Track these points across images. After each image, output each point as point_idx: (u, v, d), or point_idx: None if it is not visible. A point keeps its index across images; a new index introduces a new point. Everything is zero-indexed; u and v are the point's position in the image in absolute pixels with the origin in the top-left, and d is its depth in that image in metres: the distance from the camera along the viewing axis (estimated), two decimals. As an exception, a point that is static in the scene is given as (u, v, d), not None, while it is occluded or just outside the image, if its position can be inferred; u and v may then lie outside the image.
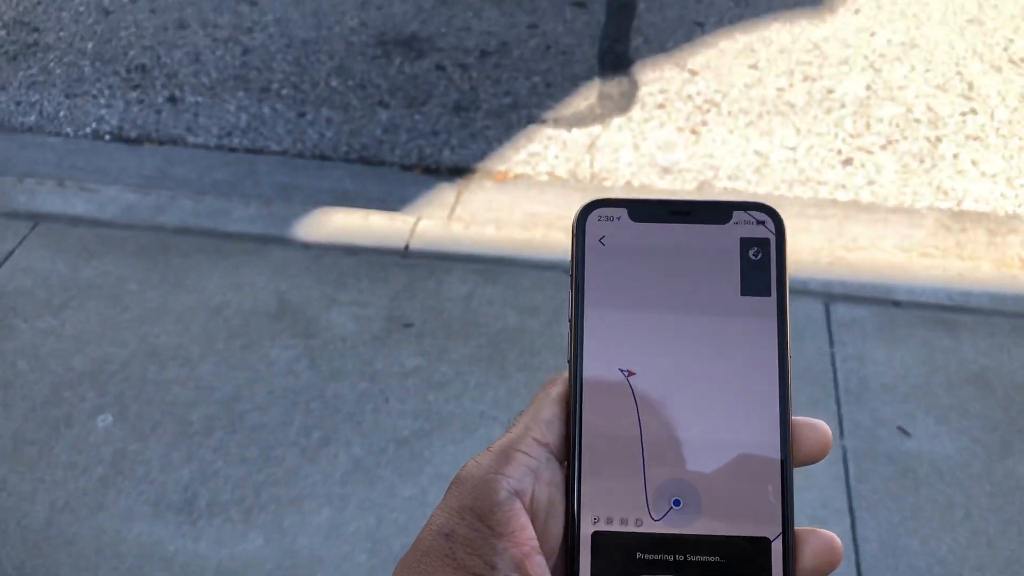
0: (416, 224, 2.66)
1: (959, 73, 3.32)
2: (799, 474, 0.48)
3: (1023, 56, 3.39)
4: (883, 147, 3.04)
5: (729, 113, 3.21)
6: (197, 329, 2.33)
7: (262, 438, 2.09)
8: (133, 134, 3.21)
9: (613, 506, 0.47)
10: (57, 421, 2.12)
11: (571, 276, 0.51)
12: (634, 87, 3.34)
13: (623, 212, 0.50)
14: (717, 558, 0.46)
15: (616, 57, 3.49)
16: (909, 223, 2.76)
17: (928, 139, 3.06)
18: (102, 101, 3.34)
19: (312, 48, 3.56)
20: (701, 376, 0.48)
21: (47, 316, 2.36)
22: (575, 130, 3.19)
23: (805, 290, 2.42)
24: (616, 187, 2.98)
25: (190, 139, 3.18)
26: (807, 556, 0.46)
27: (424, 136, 3.18)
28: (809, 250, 2.63)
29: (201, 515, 1.94)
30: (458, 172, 3.05)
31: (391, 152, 3.12)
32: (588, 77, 3.40)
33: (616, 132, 3.16)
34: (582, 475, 0.47)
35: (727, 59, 3.43)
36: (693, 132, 3.15)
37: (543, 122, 3.22)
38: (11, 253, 2.53)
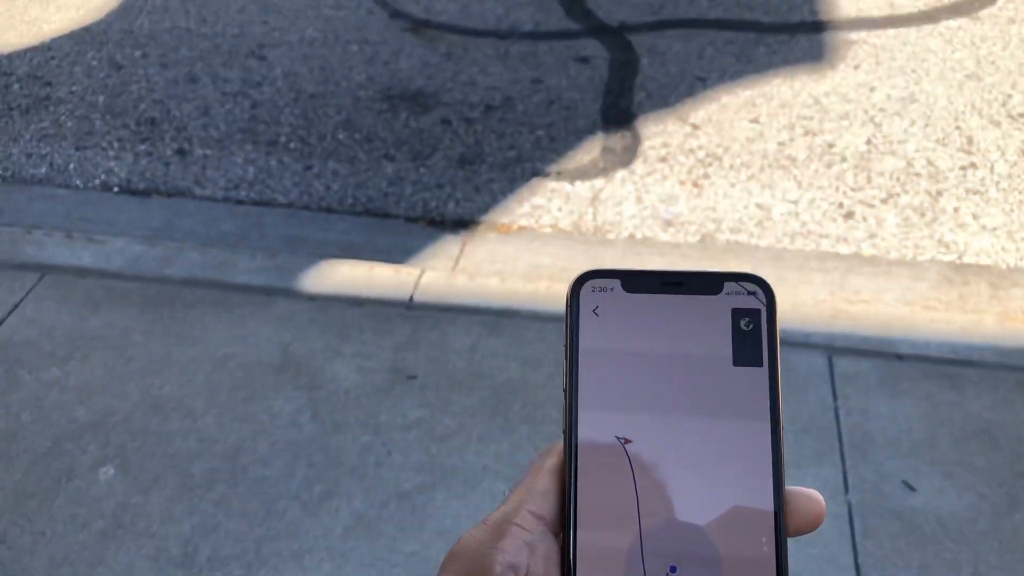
0: (420, 276, 2.68)
1: (958, 128, 3.36)
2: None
3: (1021, 111, 3.43)
4: (884, 200, 3.06)
5: (731, 167, 3.24)
6: (201, 381, 2.33)
7: (264, 491, 2.08)
8: (141, 186, 3.25)
9: None
10: (59, 473, 2.12)
11: (565, 346, 0.51)
12: (637, 141, 3.39)
13: (616, 283, 0.51)
14: None
15: (619, 111, 3.54)
16: (911, 276, 2.77)
17: (929, 193, 3.08)
18: (111, 154, 3.39)
19: (320, 102, 3.62)
20: (695, 447, 0.48)
21: (51, 367, 2.36)
22: (578, 183, 3.22)
23: (808, 343, 2.42)
24: (619, 239, 3.00)
25: (197, 191, 3.22)
26: None
27: (429, 189, 3.21)
28: (812, 302, 2.64)
29: (202, 570, 1.93)
30: (462, 224, 3.07)
31: (396, 204, 3.16)
32: (591, 131, 3.44)
33: (619, 185, 3.19)
34: (577, 549, 0.47)
35: (729, 113, 3.48)
36: (695, 185, 3.18)
37: (547, 175, 3.26)
38: (18, 304, 2.55)
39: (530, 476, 0.49)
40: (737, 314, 0.50)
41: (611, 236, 3.01)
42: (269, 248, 2.88)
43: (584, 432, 0.49)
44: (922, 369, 2.35)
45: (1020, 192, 3.07)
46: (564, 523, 0.48)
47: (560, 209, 3.12)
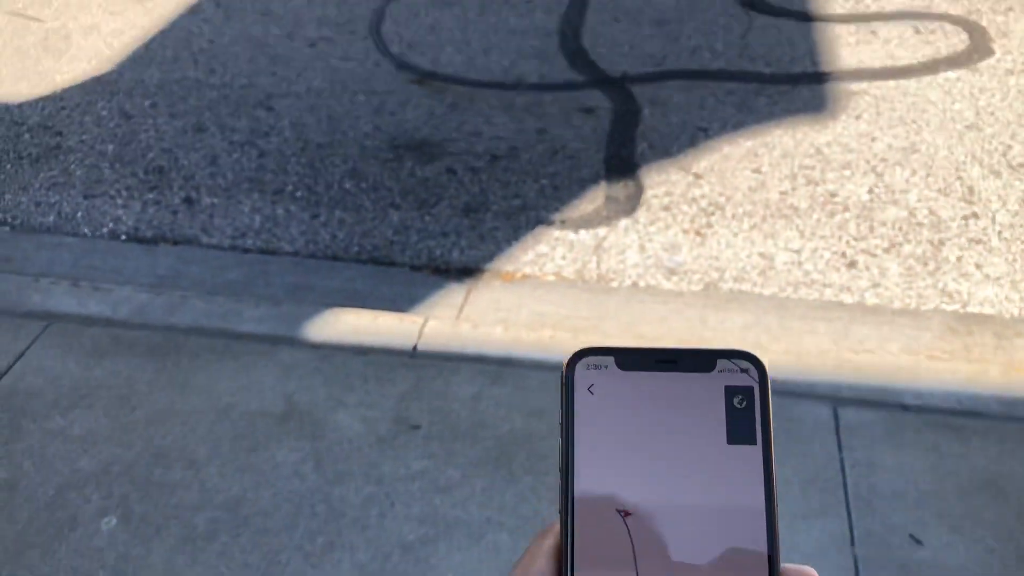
0: (424, 324, 2.68)
1: (959, 178, 3.38)
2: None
3: (1021, 161, 3.46)
4: (887, 250, 3.08)
5: (733, 216, 3.26)
6: (204, 430, 2.33)
7: (266, 543, 2.06)
8: (149, 234, 3.28)
9: None
10: (61, 523, 2.11)
11: (561, 425, 0.52)
12: (640, 190, 3.41)
13: (611, 360, 0.52)
14: None
15: (622, 161, 3.57)
16: (915, 325, 2.77)
17: (931, 242, 3.09)
18: (119, 202, 3.43)
19: (326, 151, 3.66)
20: (692, 527, 0.49)
21: (56, 416, 2.36)
22: (582, 232, 3.24)
23: (813, 393, 2.42)
24: (622, 287, 3.01)
25: (204, 239, 3.24)
26: None
27: (434, 237, 3.23)
28: (816, 352, 2.64)
29: (201, 624, 1.91)
30: (467, 272, 3.09)
31: (402, 253, 3.18)
32: (595, 180, 3.47)
33: (622, 234, 3.21)
34: None
35: (731, 163, 3.51)
36: (698, 234, 3.20)
37: (551, 224, 3.28)
38: (23, 353, 2.56)
39: (527, 558, 0.49)
40: (730, 392, 0.51)
41: (614, 284, 3.03)
42: (274, 296, 2.90)
43: (581, 511, 0.49)
44: (927, 420, 2.34)
45: (1022, 242, 3.08)
46: None
47: (564, 257, 3.14)
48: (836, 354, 2.62)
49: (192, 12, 4.78)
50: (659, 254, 3.13)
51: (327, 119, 3.86)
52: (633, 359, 0.52)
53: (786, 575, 0.48)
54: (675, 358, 0.52)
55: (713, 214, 3.28)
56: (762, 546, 0.48)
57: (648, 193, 3.39)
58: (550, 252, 3.16)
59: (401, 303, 2.92)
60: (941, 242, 3.10)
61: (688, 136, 3.68)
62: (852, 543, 2.04)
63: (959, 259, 3.02)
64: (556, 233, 3.24)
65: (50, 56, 4.40)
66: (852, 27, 4.40)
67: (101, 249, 3.21)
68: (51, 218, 3.37)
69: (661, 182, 3.43)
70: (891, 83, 3.96)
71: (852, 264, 3.03)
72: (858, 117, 3.74)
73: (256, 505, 2.15)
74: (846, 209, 3.26)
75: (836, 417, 2.34)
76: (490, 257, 3.15)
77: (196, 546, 2.06)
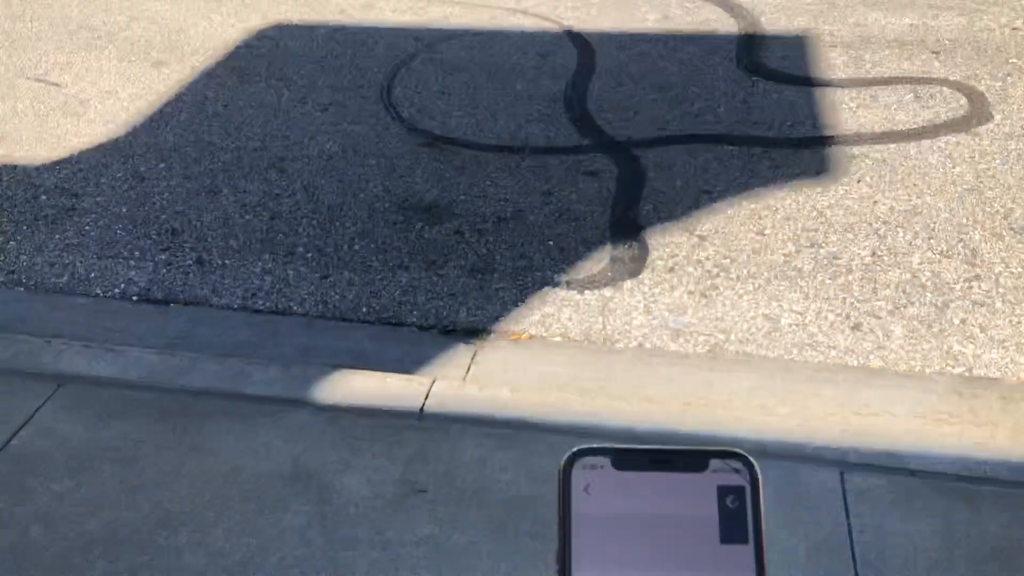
0: (431, 386, 2.70)
1: (961, 240, 3.41)
2: None
3: (1023, 225, 3.49)
4: (891, 312, 3.10)
5: (738, 278, 3.29)
6: (211, 493, 2.34)
7: (271, 608, 2.06)
8: (160, 295, 3.32)
9: None
10: (66, 588, 2.11)
11: (559, 523, 0.54)
12: (645, 251, 3.45)
13: (607, 461, 0.54)
14: None
15: (627, 223, 3.62)
16: (921, 388, 2.78)
17: (935, 304, 3.11)
18: (132, 263, 3.48)
19: (337, 213, 3.72)
20: None
21: (64, 479, 2.38)
22: (588, 293, 3.27)
23: (820, 458, 2.42)
24: (628, 349, 3.03)
25: (215, 300, 3.29)
26: None
27: (442, 298, 3.27)
28: (821, 415, 2.64)
29: None
30: (474, 333, 3.11)
31: (410, 313, 3.21)
32: (600, 242, 3.51)
33: (628, 295, 3.24)
34: None
35: (734, 225, 3.56)
36: (703, 296, 3.23)
37: (557, 285, 3.32)
38: (33, 414, 2.58)
39: None
40: (723, 491, 0.53)
41: (620, 345, 3.05)
42: (283, 357, 2.93)
43: None
44: (935, 485, 2.33)
45: (1026, 304, 3.10)
46: None
47: (570, 318, 3.16)
48: (842, 417, 2.63)
49: (207, 77, 4.90)
50: (664, 315, 3.15)
51: (338, 181, 3.93)
52: (628, 459, 0.54)
53: None
54: (669, 458, 0.54)
55: (718, 276, 3.31)
56: None
57: (653, 254, 3.43)
58: (556, 313, 3.19)
59: (409, 364, 2.94)
60: (945, 304, 3.12)
61: (692, 198, 3.73)
62: (861, 611, 2.02)
63: (963, 321, 3.04)
64: (562, 294, 3.27)
65: (68, 120, 4.51)
66: (852, 92, 4.48)
67: (113, 310, 3.25)
68: (65, 279, 3.42)
69: (666, 244, 3.48)
70: (892, 146, 4.02)
71: (856, 326, 3.05)
72: (859, 180, 3.79)
73: (262, 570, 2.14)
74: (849, 271, 3.29)
75: (843, 482, 2.33)
76: (497, 317, 3.18)
77: (201, 611, 2.05)
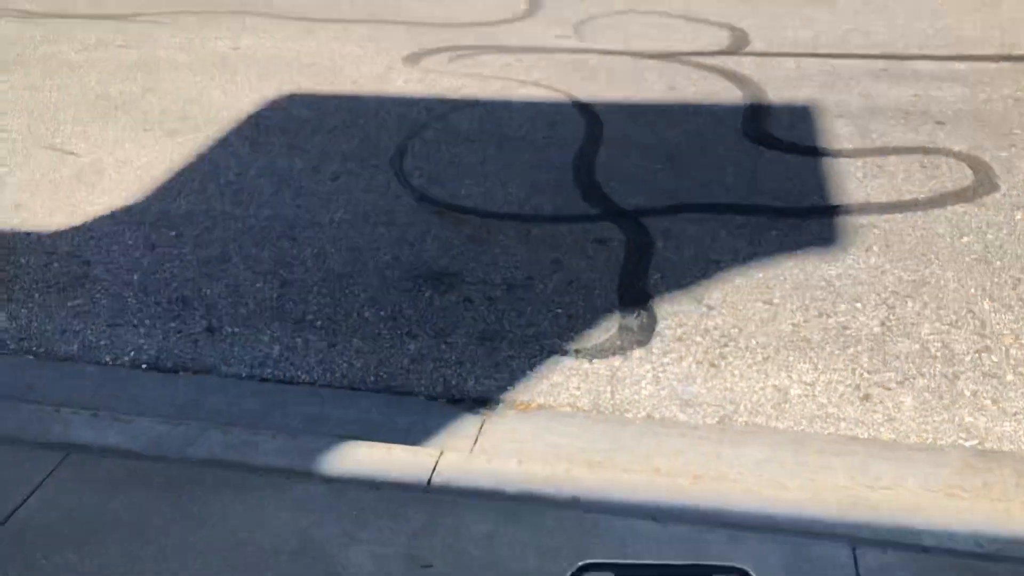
0: (439, 458, 2.69)
1: (970, 311, 3.41)
2: None
3: (1032, 295, 3.49)
4: (901, 383, 3.08)
5: (747, 347, 3.29)
6: (217, 567, 2.31)
7: None
8: (169, 363, 3.33)
9: None
10: (66, 665, 2.07)
11: None
12: (653, 321, 3.46)
13: None
14: None
15: (635, 292, 3.63)
16: (933, 461, 2.75)
17: (945, 376, 3.10)
18: (142, 331, 3.50)
19: (347, 281, 3.75)
20: None
21: (68, 552, 2.36)
22: (596, 361, 3.27)
23: (831, 533, 2.38)
24: (637, 419, 3.01)
25: (224, 368, 3.29)
26: None
27: (450, 366, 3.27)
28: (832, 489, 2.61)
29: None
30: (482, 402, 3.11)
31: (417, 382, 3.21)
32: (609, 311, 3.52)
33: (636, 364, 3.24)
34: None
35: (743, 295, 3.56)
36: (712, 366, 3.22)
37: (565, 353, 3.32)
38: (39, 485, 2.57)
39: None
40: None
41: (629, 415, 3.03)
42: (291, 427, 2.92)
43: None
44: (949, 563, 2.29)
45: (1037, 376, 3.08)
46: None
47: (578, 387, 3.15)
48: (854, 491, 2.59)
49: (221, 146, 4.99)
50: (673, 385, 3.14)
51: (348, 249, 3.97)
52: (633, 575, 0.54)
53: None
54: (672, 573, 0.54)
55: (726, 345, 3.31)
56: None
57: (662, 323, 3.43)
58: (564, 382, 3.18)
59: (416, 434, 2.93)
60: (955, 376, 3.10)
61: (700, 268, 3.74)
62: None
63: (974, 393, 3.02)
64: (570, 363, 3.27)
65: (83, 188, 4.58)
66: (859, 162, 4.53)
67: (122, 378, 3.26)
68: (74, 346, 3.44)
69: (674, 313, 3.48)
70: (899, 216, 4.05)
71: (866, 397, 3.03)
72: (867, 250, 3.81)
73: (265, 647, 2.11)
74: (858, 341, 3.29)
75: (855, 559, 2.29)
76: (505, 386, 3.17)
77: None
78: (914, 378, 3.10)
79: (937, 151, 4.61)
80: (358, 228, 4.13)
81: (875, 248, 3.82)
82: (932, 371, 3.12)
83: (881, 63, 5.82)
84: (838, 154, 4.63)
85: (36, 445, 2.73)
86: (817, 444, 2.85)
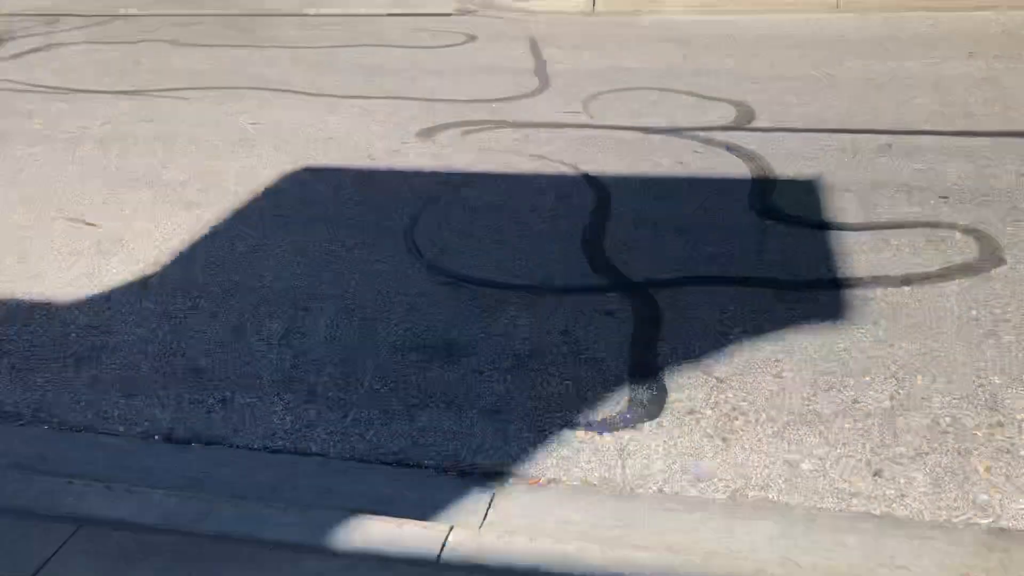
0: (448, 534, 2.68)
1: (981, 385, 3.41)
2: None
3: (1042, 369, 3.49)
4: (912, 459, 3.07)
5: (757, 421, 3.29)
6: (224, 644, 2.30)
7: None
8: (182, 434, 3.35)
9: None
10: None
11: None
12: (663, 394, 3.47)
13: None
14: None
15: (645, 364, 3.65)
16: (948, 540, 2.72)
17: (958, 451, 3.09)
18: (156, 402, 3.53)
19: (359, 353, 3.78)
20: None
21: (77, 627, 2.35)
22: (606, 435, 3.27)
23: (845, 614, 2.36)
24: (648, 494, 3.00)
25: (236, 440, 3.31)
26: None
27: (459, 439, 3.28)
28: (846, 568, 2.59)
29: None
30: (492, 476, 3.11)
31: (427, 454, 3.21)
32: (618, 383, 3.54)
33: (647, 438, 3.24)
34: None
35: (752, 368, 3.58)
36: (723, 439, 3.22)
37: (575, 426, 3.32)
38: (48, 559, 2.57)
39: None
40: None
41: (640, 491, 3.02)
42: (301, 501, 2.92)
43: None
44: (966, 645, 2.25)
45: (1050, 452, 3.07)
46: None
47: (589, 461, 3.15)
48: (867, 569, 2.57)
49: (238, 218, 5.09)
50: (684, 459, 3.14)
51: (360, 320, 4.01)
52: None
53: None
54: None
55: (736, 419, 3.31)
56: None
57: (671, 397, 3.44)
58: (575, 456, 3.18)
59: (426, 508, 2.93)
60: (968, 451, 3.09)
61: (710, 340, 3.77)
62: None
63: (988, 469, 3.00)
64: (581, 436, 3.27)
65: (102, 258, 4.67)
66: (865, 236, 4.58)
67: (134, 449, 3.28)
68: (89, 416, 3.47)
69: (684, 386, 3.49)
70: (906, 290, 4.08)
71: (878, 472, 3.02)
72: (875, 323, 3.83)
73: None
74: (869, 415, 3.28)
75: (870, 640, 2.26)
76: (515, 460, 3.17)
77: None
78: (926, 454, 3.09)
79: (943, 225, 4.66)
80: (370, 299, 4.18)
81: (883, 322, 3.84)
82: (944, 447, 3.11)
83: (885, 138, 5.91)
84: (844, 228, 4.68)
85: (47, 518, 2.74)
86: (829, 521, 2.83)
